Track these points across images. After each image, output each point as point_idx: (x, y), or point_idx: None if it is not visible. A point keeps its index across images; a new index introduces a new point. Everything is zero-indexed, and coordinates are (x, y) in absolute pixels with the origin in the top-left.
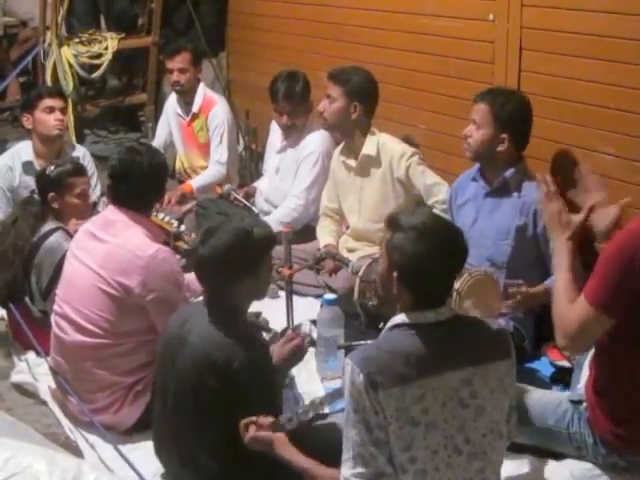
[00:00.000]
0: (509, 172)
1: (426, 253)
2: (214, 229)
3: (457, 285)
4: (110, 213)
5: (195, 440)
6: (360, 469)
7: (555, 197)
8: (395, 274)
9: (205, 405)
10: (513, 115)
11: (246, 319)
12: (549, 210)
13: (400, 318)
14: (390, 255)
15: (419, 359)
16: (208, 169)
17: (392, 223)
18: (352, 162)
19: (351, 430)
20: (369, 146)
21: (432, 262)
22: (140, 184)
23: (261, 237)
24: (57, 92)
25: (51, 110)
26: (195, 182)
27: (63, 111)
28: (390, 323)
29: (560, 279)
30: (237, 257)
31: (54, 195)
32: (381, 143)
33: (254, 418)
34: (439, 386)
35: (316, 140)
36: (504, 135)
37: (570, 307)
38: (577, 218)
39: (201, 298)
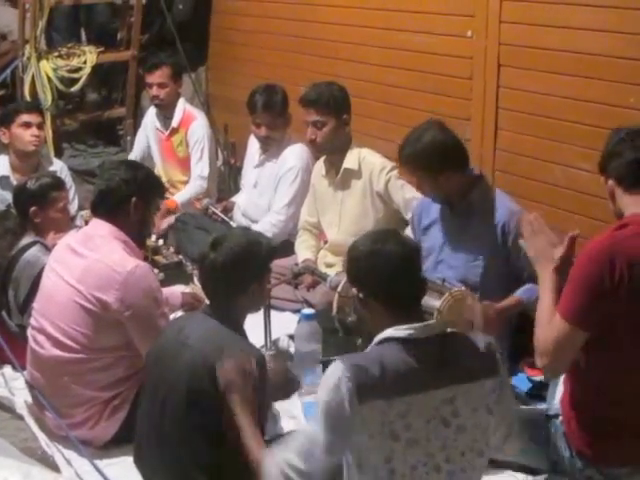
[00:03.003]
0: (471, 195)
1: (375, 251)
2: (222, 237)
3: (438, 304)
4: (91, 228)
5: (185, 451)
6: (298, 463)
7: (540, 232)
8: (355, 291)
9: (196, 412)
10: (429, 159)
11: (244, 330)
12: (534, 245)
13: (390, 332)
14: (349, 277)
15: (407, 375)
16: (190, 184)
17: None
18: (333, 176)
19: (314, 426)
20: (350, 160)
21: (381, 257)
22: (124, 198)
23: (268, 245)
24: (34, 107)
25: (28, 126)
26: (179, 197)
27: (40, 126)
28: (380, 336)
29: (542, 308)
30: (250, 262)
31: (36, 209)
32: (362, 157)
33: None
34: (424, 404)
35: (295, 155)
36: (441, 175)
37: (547, 327)
38: (559, 251)
39: (180, 313)
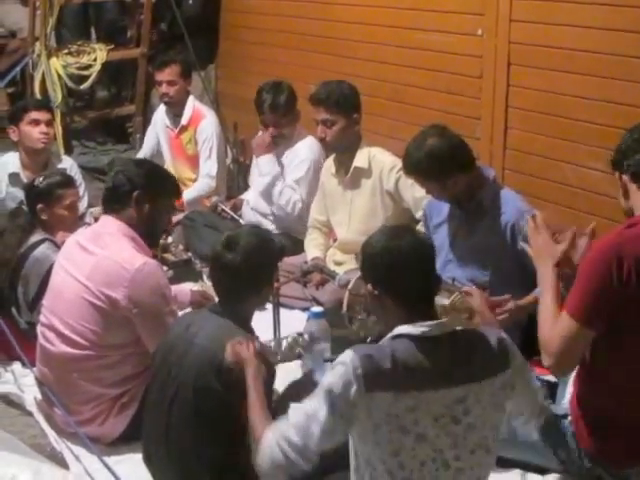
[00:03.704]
0: (480, 195)
1: (391, 246)
2: (237, 236)
3: (447, 303)
4: (100, 225)
5: (191, 450)
6: (293, 436)
7: (542, 229)
8: (370, 287)
9: (204, 410)
10: (431, 168)
11: (252, 328)
12: (536, 241)
13: (405, 329)
14: (363, 273)
15: (417, 371)
16: (198, 182)
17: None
18: (343, 175)
19: (314, 403)
20: (360, 159)
21: (397, 253)
22: (128, 193)
23: (279, 243)
24: (43, 105)
25: (36, 123)
26: (186, 195)
27: (48, 124)
28: (394, 332)
29: (545, 304)
30: (266, 261)
31: (42, 206)
32: (372, 155)
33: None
34: (433, 401)
35: (307, 147)
36: (448, 180)
37: (553, 327)
38: (561, 247)
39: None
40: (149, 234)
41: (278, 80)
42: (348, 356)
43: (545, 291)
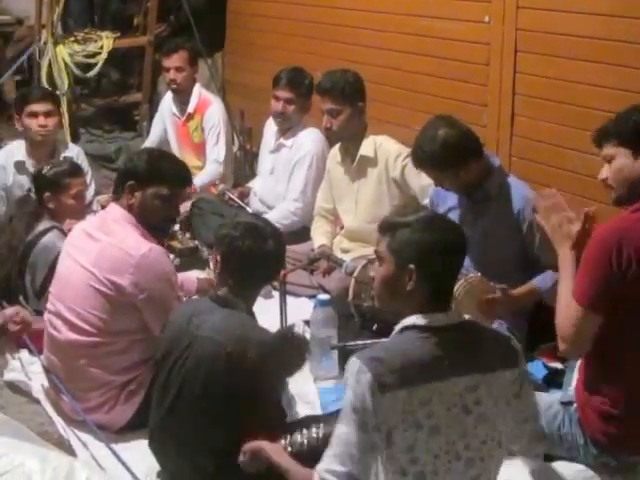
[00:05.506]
0: (488, 183)
1: (438, 239)
2: (261, 226)
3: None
4: (105, 212)
5: (197, 438)
6: (335, 467)
7: (554, 210)
8: (412, 267)
9: (213, 401)
10: (447, 158)
11: (253, 312)
12: (549, 223)
13: (412, 320)
14: (400, 253)
15: (428, 363)
16: (206, 168)
17: (388, 226)
18: (349, 164)
19: (344, 427)
20: (366, 147)
21: (445, 247)
22: (124, 182)
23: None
24: (43, 95)
25: (35, 115)
26: (196, 181)
27: (48, 114)
28: (401, 325)
29: (563, 288)
30: (284, 252)
31: (50, 195)
32: (378, 144)
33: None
34: (445, 391)
35: (310, 140)
36: (462, 169)
37: (566, 313)
38: (575, 227)
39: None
40: (145, 223)
41: (301, 67)
42: (354, 364)
43: (563, 277)
